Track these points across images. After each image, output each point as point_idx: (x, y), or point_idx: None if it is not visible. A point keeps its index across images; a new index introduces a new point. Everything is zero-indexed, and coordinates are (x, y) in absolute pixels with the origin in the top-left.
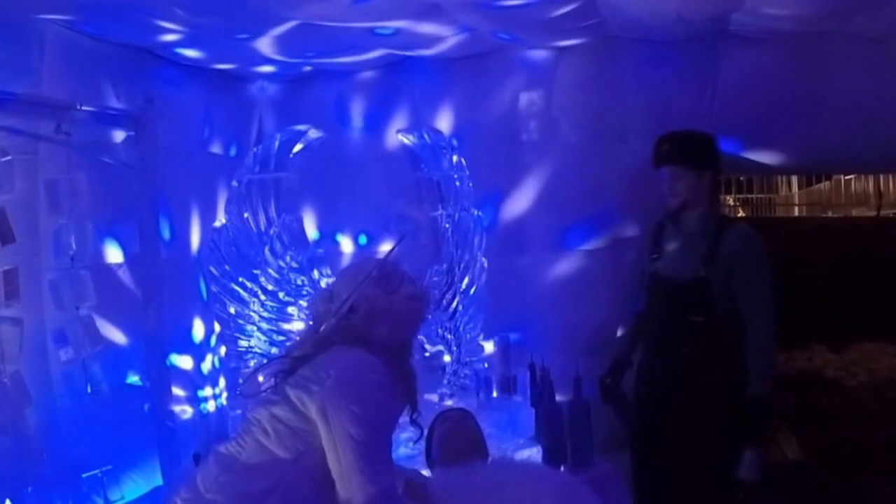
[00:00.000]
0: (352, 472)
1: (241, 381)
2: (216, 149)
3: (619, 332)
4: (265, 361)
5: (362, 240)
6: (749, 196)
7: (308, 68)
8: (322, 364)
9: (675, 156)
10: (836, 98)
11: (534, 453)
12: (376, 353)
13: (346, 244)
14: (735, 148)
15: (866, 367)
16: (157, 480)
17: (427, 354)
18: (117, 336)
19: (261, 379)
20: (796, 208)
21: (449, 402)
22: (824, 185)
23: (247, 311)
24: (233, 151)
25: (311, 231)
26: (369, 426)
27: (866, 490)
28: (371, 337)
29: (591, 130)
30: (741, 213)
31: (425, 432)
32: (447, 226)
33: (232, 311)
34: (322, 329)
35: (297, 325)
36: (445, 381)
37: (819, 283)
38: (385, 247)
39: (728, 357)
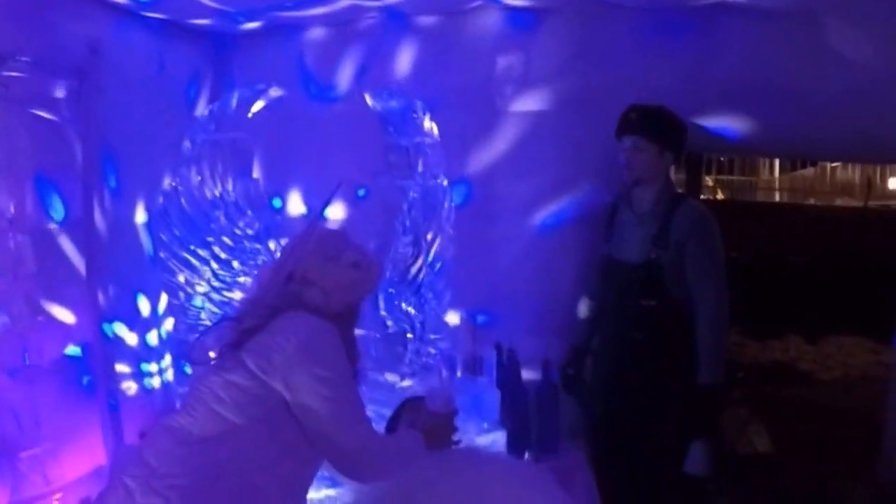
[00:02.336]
0: (334, 426)
1: (189, 348)
2: (167, 105)
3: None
4: (211, 327)
5: (335, 206)
6: (729, 178)
7: (265, 22)
8: (278, 330)
9: (640, 127)
10: (831, 83)
11: (498, 438)
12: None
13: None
14: (721, 126)
15: (842, 361)
16: (100, 459)
17: (389, 331)
18: (57, 305)
19: (211, 354)
20: (777, 193)
21: (406, 383)
22: (808, 171)
23: (197, 281)
24: (189, 108)
25: (270, 196)
26: (337, 385)
27: (836, 488)
28: (310, 302)
29: (572, 100)
30: (720, 196)
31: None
32: (414, 195)
33: (182, 279)
34: (265, 296)
35: None
36: (407, 360)
37: (798, 272)
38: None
39: (681, 344)
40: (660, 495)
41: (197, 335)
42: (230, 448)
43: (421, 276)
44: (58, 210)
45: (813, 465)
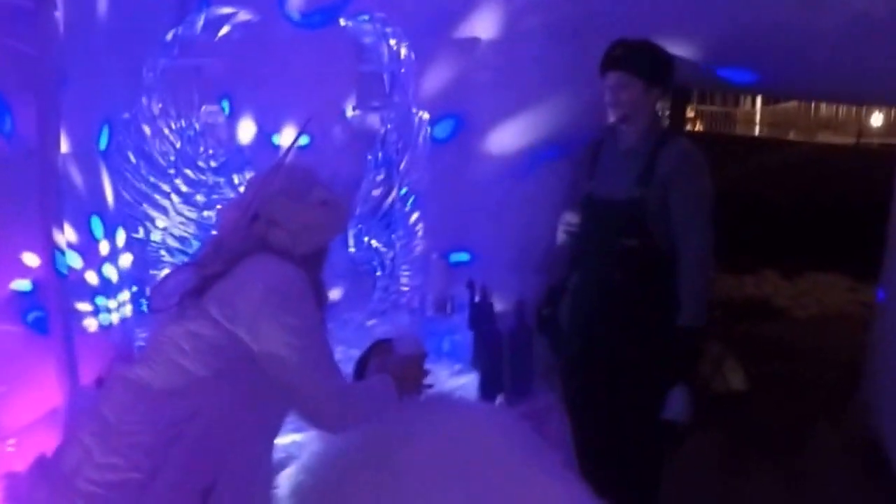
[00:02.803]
0: (302, 376)
1: (148, 295)
2: (130, 29)
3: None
4: (171, 273)
5: (304, 140)
6: (709, 108)
7: None
8: (243, 276)
9: (626, 62)
10: (824, 22)
11: (470, 381)
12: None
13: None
14: (713, 63)
15: (818, 298)
16: (56, 400)
17: (358, 268)
18: (8, 237)
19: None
20: (757, 126)
21: (372, 322)
22: (791, 105)
23: (158, 215)
24: (153, 32)
25: (240, 127)
26: (306, 334)
27: (808, 427)
28: (276, 246)
29: (558, 33)
30: (699, 127)
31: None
32: (388, 126)
33: (141, 214)
34: (228, 238)
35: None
36: (375, 298)
37: (777, 207)
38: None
39: (662, 285)
40: (635, 440)
41: (157, 281)
42: (194, 402)
43: (392, 211)
44: (7, 135)
45: (786, 404)
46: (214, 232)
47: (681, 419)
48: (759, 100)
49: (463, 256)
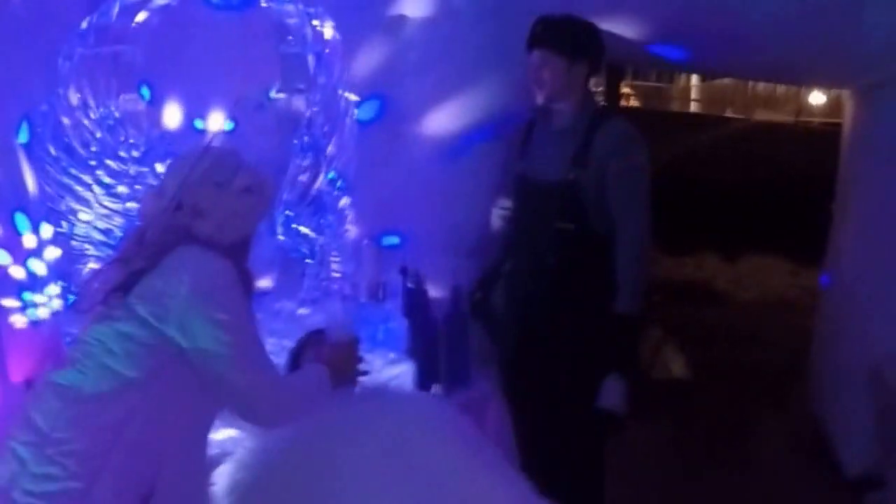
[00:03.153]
0: (234, 373)
1: (74, 293)
2: (44, 17)
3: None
4: (96, 271)
5: (228, 125)
6: (643, 84)
7: None
8: (169, 270)
9: (546, 39)
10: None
11: (405, 370)
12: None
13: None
14: (646, 41)
15: (759, 282)
16: None
17: (287, 256)
18: None
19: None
20: (693, 103)
21: (303, 311)
22: (727, 81)
23: (81, 208)
24: (69, 19)
25: (162, 114)
26: (237, 328)
27: (751, 413)
28: (201, 235)
29: (487, 9)
30: (633, 103)
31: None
32: (314, 109)
33: (64, 207)
34: (151, 232)
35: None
36: (306, 286)
37: (715, 187)
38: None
39: (598, 270)
40: (573, 430)
41: (82, 279)
42: (126, 405)
43: (321, 196)
44: None
45: (728, 390)
46: (137, 223)
47: (617, 409)
48: (694, 76)
49: (393, 240)
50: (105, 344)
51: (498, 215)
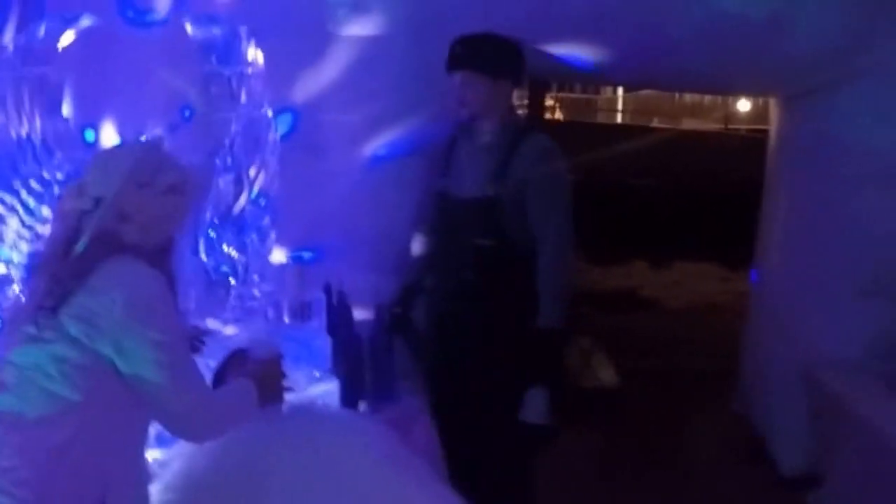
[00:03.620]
0: (168, 392)
1: (1, 326)
2: None
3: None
4: (22, 288)
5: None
6: (569, 96)
7: None
8: (99, 288)
9: (468, 60)
10: (685, 14)
11: (331, 388)
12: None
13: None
14: (569, 55)
15: (690, 288)
16: None
17: (210, 276)
18: None
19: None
20: (620, 114)
21: (231, 330)
22: (653, 91)
23: (4, 230)
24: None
25: (86, 134)
26: (170, 346)
27: (685, 420)
28: (126, 241)
29: (408, 26)
30: (558, 115)
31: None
32: (236, 128)
33: None
34: (73, 240)
35: None
36: (229, 306)
37: (644, 196)
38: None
39: (517, 285)
40: (501, 445)
41: (9, 302)
42: (70, 426)
43: (243, 215)
44: None
45: (661, 398)
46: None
47: (540, 420)
48: (620, 87)
49: (315, 258)
50: (41, 367)
51: (417, 231)
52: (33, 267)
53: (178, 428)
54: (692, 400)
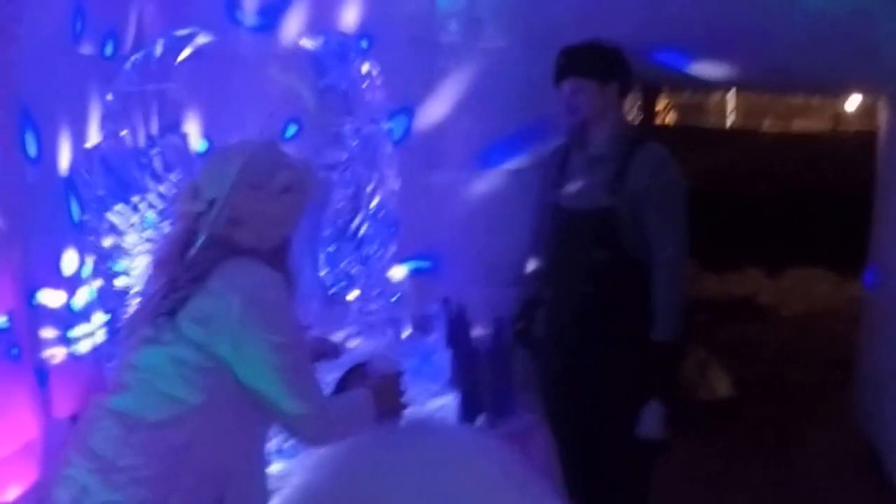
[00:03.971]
0: (286, 394)
1: (121, 327)
2: (89, 49)
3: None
4: (141, 292)
5: None
6: (679, 100)
7: None
8: (218, 292)
9: (575, 67)
10: (792, 16)
11: (449, 401)
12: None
13: None
14: (679, 60)
15: (803, 295)
16: (31, 433)
17: (331, 292)
18: None
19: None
20: (730, 115)
21: (350, 344)
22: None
23: (124, 244)
24: (108, 50)
25: (203, 148)
26: (288, 348)
27: (798, 430)
28: (240, 244)
29: (519, 35)
30: (670, 118)
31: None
32: (353, 143)
33: (107, 243)
34: (193, 249)
35: None
36: (351, 320)
37: (754, 200)
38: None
39: (635, 297)
40: (615, 457)
41: (128, 312)
42: (191, 428)
43: (362, 230)
44: None
45: (774, 408)
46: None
47: (656, 435)
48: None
49: (434, 272)
50: (160, 370)
51: (534, 243)
52: (154, 265)
53: (295, 430)
54: (806, 410)
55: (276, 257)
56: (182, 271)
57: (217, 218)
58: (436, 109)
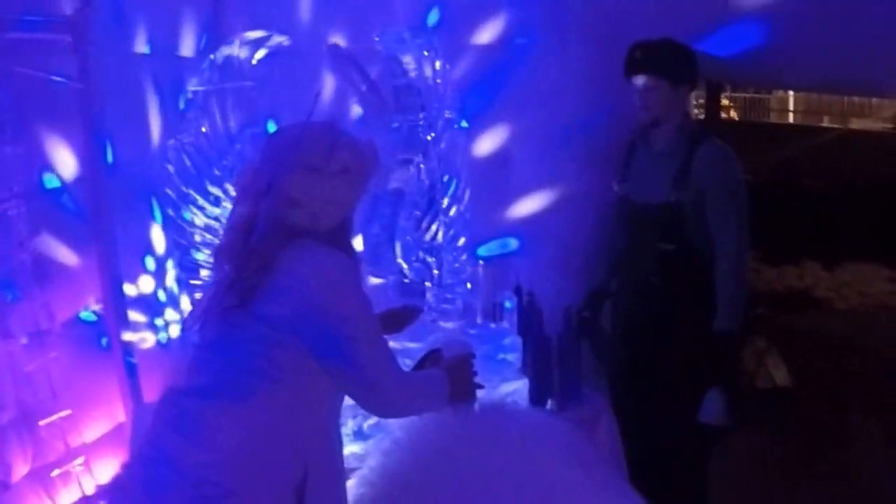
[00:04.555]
0: (362, 368)
1: (188, 319)
2: (168, 52)
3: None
4: (209, 280)
5: None
6: (742, 96)
7: None
8: (285, 272)
9: (649, 65)
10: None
11: (520, 387)
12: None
13: None
14: (746, 59)
15: (859, 290)
16: (120, 416)
17: (406, 280)
18: (67, 268)
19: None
20: (791, 114)
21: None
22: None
23: (206, 237)
24: (188, 52)
25: None
26: (361, 324)
27: (852, 420)
28: (299, 227)
29: (586, 32)
30: (733, 115)
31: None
32: (429, 138)
33: (188, 236)
34: (256, 234)
35: None
36: (426, 308)
37: (816, 196)
38: None
39: (700, 289)
40: (677, 442)
41: (198, 300)
42: (271, 406)
43: (437, 222)
44: (62, 171)
45: (829, 398)
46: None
47: (717, 422)
48: None
49: (506, 262)
50: (236, 353)
51: (602, 236)
52: (217, 254)
53: (370, 402)
54: (863, 401)
55: (335, 237)
56: (246, 259)
57: (274, 201)
58: (502, 107)
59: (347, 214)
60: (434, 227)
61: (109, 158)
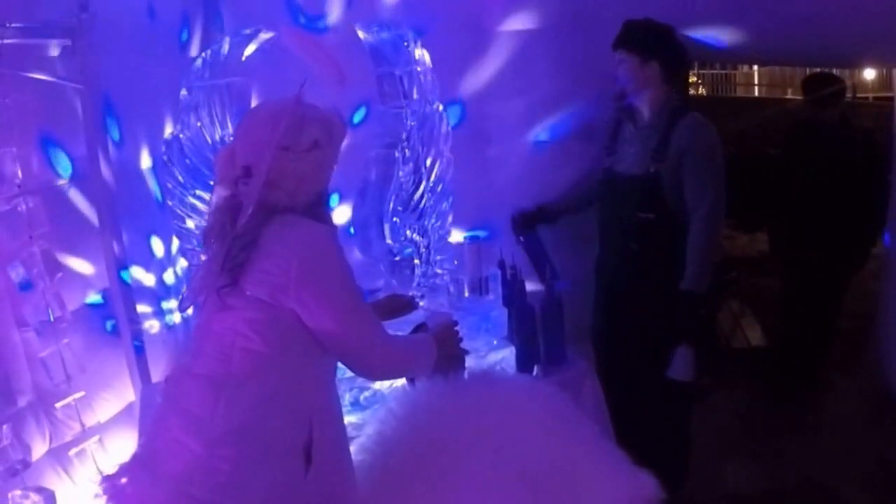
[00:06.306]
0: (351, 334)
1: (184, 300)
2: (162, 53)
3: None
4: (199, 265)
5: None
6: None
7: None
8: (274, 252)
9: (622, 40)
10: None
11: (507, 354)
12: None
13: None
14: (710, 36)
15: None
16: (129, 396)
17: (396, 259)
18: (75, 258)
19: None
20: (756, 88)
21: (420, 304)
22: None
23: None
24: (183, 54)
25: None
26: (348, 295)
27: (826, 380)
28: (279, 206)
29: (562, 18)
30: (701, 91)
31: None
32: (412, 123)
33: (191, 224)
34: (241, 216)
35: None
36: (415, 284)
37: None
38: None
39: (676, 253)
40: (654, 398)
41: (191, 280)
42: (276, 378)
43: (423, 202)
44: (65, 167)
45: (804, 357)
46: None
47: (685, 378)
48: None
49: (489, 237)
50: (235, 330)
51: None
52: (205, 235)
53: (359, 366)
54: (833, 358)
55: (313, 211)
56: (233, 239)
57: (256, 184)
58: (486, 90)
59: (323, 188)
60: (421, 205)
61: (116, 150)
